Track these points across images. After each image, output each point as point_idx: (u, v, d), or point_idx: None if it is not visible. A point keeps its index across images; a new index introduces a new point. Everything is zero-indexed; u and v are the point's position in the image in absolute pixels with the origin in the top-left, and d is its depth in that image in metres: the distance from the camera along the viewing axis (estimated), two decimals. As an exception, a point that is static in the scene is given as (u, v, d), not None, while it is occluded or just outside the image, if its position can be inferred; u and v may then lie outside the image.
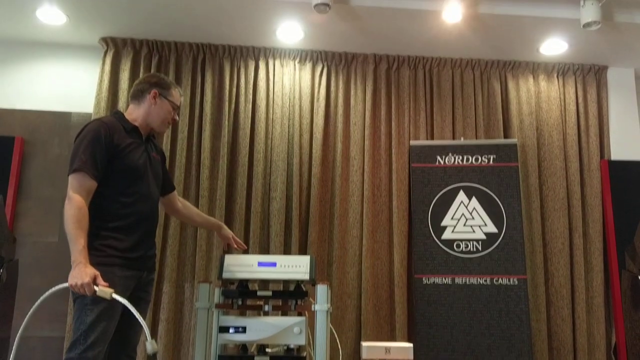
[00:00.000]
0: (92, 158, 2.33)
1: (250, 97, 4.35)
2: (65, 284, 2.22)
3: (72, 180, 2.31)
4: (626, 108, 4.59)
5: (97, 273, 2.20)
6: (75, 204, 2.26)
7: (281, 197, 4.17)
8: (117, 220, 2.39)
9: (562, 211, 4.26)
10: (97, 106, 4.17)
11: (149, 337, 2.15)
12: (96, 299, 2.22)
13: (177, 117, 2.69)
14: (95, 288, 2.17)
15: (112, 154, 2.39)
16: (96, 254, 2.31)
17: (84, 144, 2.35)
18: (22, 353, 3.82)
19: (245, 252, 3.99)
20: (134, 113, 2.58)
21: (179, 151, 4.20)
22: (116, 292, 2.25)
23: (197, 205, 4.14)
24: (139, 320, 2.16)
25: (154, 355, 2.16)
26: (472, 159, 4.22)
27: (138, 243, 2.44)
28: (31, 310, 2.30)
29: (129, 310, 2.33)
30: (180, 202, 2.92)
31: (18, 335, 2.33)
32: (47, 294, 2.26)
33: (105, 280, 2.25)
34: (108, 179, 2.39)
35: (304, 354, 3.08)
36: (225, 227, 3.07)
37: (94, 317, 2.23)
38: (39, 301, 2.28)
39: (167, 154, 4.16)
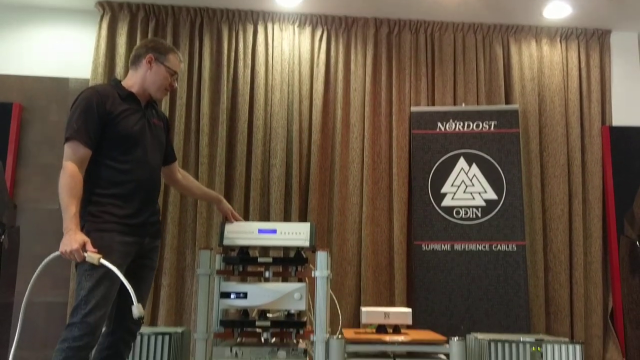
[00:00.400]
0: (85, 126, 2.33)
1: (249, 62, 4.30)
2: (57, 252, 2.24)
3: (66, 149, 2.32)
4: (629, 73, 4.54)
5: (87, 239, 2.22)
6: (68, 172, 2.27)
7: (281, 164, 4.16)
8: (115, 187, 2.38)
9: (562, 177, 4.26)
10: (94, 72, 4.13)
11: (135, 301, 2.19)
12: (94, 265, 2.24)
13: (176, 84, 2.63)
14: (85, 254, 2.20)
15: (105, 121, 2.37)
16: (94, 220, 2.33)
17: (76, 113, 2.35)
18: (26, 318, 3.86)
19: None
20: (132, 79, 2.55)
21: (177, 118, 4.17)
22: (115, 258, 2.28)
23: (196, 172, 4.14)
24: (125, 284, 2.19)
25: (140, 319, 2.23)
26: (473, 125, 4.20)
27: (138, 210, 2.43)
28: (32, 280, 2.33)
29: (132, 275, 2.35)
30: (180, 173, 2.90)
31: (23, 304, 2.36)
32: (43, 263, 2.30)
33: (104, 245, 2.27)
34: (103, 147, 2.38)
35: (305, 319, 3.12)
36: (224, 200, 3.06)
37: (93, 282, 2.25)
38: (37, 271, 2.31)
39: (166, 120, 4.13)
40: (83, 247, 2.19)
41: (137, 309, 2.18)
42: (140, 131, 2.48)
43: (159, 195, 2.61)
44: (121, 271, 2.28)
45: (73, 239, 2.19)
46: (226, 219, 3.04)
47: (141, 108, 2.53)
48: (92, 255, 2.20)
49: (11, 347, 2.39)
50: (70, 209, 2.23)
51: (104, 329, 2.46)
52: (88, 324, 2.21)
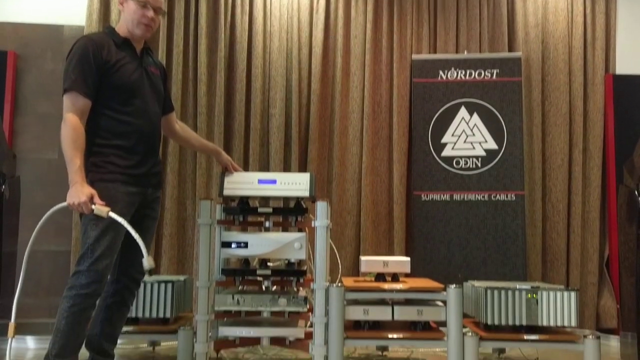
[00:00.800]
0: (82, 76, 2.31)
1: (247, 8, 4.21)
2: (64, 204, 2.26)
3: (65, 100, 2.31)
4: (634, 20, 4.45)
5: (94, 192, 2.24)
6: (69, 124, 2.27)
7: (280, 114, 4.13)
8: (116, 138, 2.39)
9: (564, 127, 4.24)
10: (88, 19, 4.05)
11: (145, 254, 2.23)
12: (100, 215, 2.27)
13: (152, 14, 2.46)
14: (93, 207, 2.22)
15: (102, 70, 2.35)
16: (98, 171, 2.34)
17: (72, 63, 2.32)
18: (30, 267, 3.91)
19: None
20: (120, 24, 2.51)
21: (174, 66, 4.12)
22: (120, 208, 2.31)
23: (195, 122, 4.12)
24: (135, 238, 2.23)
25: (151, 271, 2.26)
26: (475, 74, 4.15)
27: (140, 160, 2.45)
28: (35, 230, 2.34)
29: (135, 225, 2.38)
30: (179, 124, 2.88)
31: (26, 253, 2.38)
32: (48, 213, 2.32)
33: (109, 196, 2.30)
34: (102, 97, 2.37)
35: (305, 267, 3.17)
36: (223, 152, 3.06)
37: (99, 232, 2.28)
38: (42, 220, 2.33)
39: (163, 69, 4.08)
40: (91, 200, 2.22)
41: (147, 262, 2.23)
42: (138, 80, 2.46)
43: (160, 146, 2.61)
44: (126, 221, 2.32)
45: (80, 191, 2.21)
46: (226, 170, 3.04)
47: (137, 56, 2.49)
48: (101, 208, 2.23)
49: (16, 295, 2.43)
50: (74, 162, 2.24)
51: (108, 277, 2.50)
52: (95, 271, 2.26)
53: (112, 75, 2.37)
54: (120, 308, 2.56)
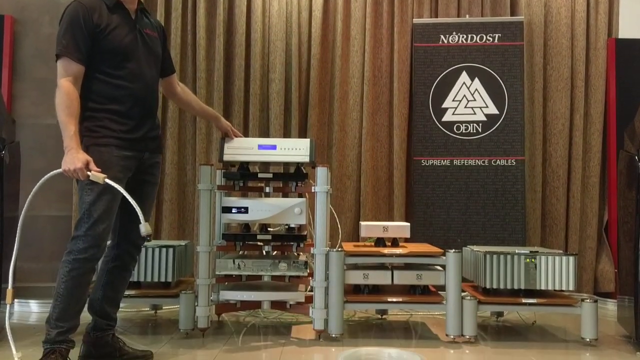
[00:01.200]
0: (73, 41, 2.29)
1: (246, -29, 4.14)
2: (59, 170, 2.26)
3: (58, 66, 2.30)
4: (640, -17, 4.38)
5: (90, 158, 2.23)
6: (63, 90, 2.25)
7: (280, 78, 4.10)
8: (110, 102, 2.37)
9: (565, 92, 4.21)
10: (86, -18, 3.98)
11: (142, 220, 2.24)
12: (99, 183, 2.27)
13: None
14: (88, 173, 2.22)
15: (94, 34, 2.32)
16: (92, 135, 2.34)
17: (63, 28, 2.30)
18: (32, 232, 3.95)
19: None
20: None
21: (173, 30, 4.07)
22: (115, 172, 2.31)
23: (194, 87, 4.09)
24: (132, 203, 2.24)
25: (149, 236, 2.29)
26: (476, 38, 4.10)
27: (135, 124, 2.43)
28: (31, 194, 2.33)
29: (134, 190, 2.39)
30: (180, 86, 2.86)
31: (20, 220, 2.38)
32: (43, 179, 2.31)
33: (103, 160, 2.29)
34: (95, 61, 2.35)
35: (305, 232, 3.19)
36: (222, 118, 3.05)
37: (94, 196, 2.29)
38: (37, 186, 2.32)
39: (162, 33, 4.03)
40: (86, 166, 2.21)
41: (144, 227, 2.24)
42: (132, 44, 2.42)
43: (157, 110, 2.59)
44: (122, 185, 2.32)
45: (76, 157, 2.21)
46: (226, 136, 3.03)
47: (131, 19, 2.45)
48: (97, 175, 2.23)
49: (18, 259, 2.44)
50: (69, 128, 2.23)
51: (109, 242, 2.53)
52: (92, 236, 2.27)
53: (104, 39, 2.34)
54: (121, 272, 2.58)
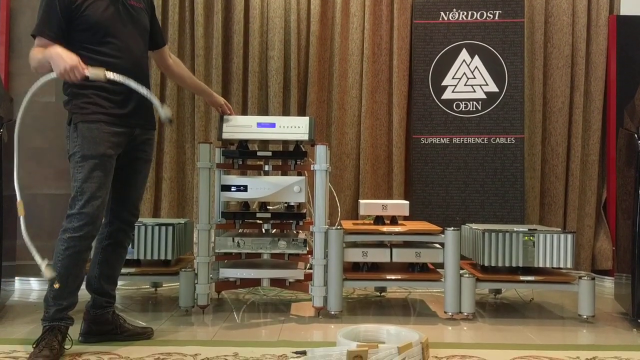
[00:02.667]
0: (47, 19, 2.27)
1: (244, -53, 4.08)
2: (53, 74, 2.19)
3: (35, 45, 2.30)
4: (643, -42, 4.33)
5: (79, 59, 2.17)
6: (32, 53, 2.25)
7: (279, 56, 4.07)
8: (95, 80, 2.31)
9: (565, 69, 4.18)
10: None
11: (158, 105, 2.23)
12: (84, 155, 2.26)
13: None
14: (86, 72, 2.15)
15: (69, 11, 2.28)
16: (81, 112, 2.32)
17: (41, 7, 2.30)
18: (31, 210, 3.92)
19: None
20: None
21: (171, 7, 4.03)
22: (104, 149, 2.30)
23: (192, 65, 4.06)
24: (142, 92, 2.24)
25: (170, 121, 2.31)
26: (477, 15, 4.06)
27: (124, 100, 2.39)
28: (23, 103, 2.26)
29: (126, 167, 2.38)
30: (172, 59, 2.81)
31: (15, 137, 2.32)
32: (35, 86, 2.23)
33: (92, 137, 2.28)
34: (77, 38, 2.32)
35: (304, 211, 3.19)
36: (215, 94, 3.02)
37: (86, 173, 2.28)
38: (28, 95, 2.25)
39: (157, 10, 3.99)
40: (80, 64, 2.16)
41: (164, 112, 2.24)
42: (112, 17, 2.36)
43: (148, 84, 2.54)
44: (111, 163, 2.31)
45: (67, 56, 2.14)
46: (223, 114, 3.01)
47: None
48: (96, 71, 2.15)
49: (18, 237, 2.44)
50: (50, 49, 2.18)
51: (103, 219, 2.51)
52: (86, 214, 2.27)
53: (82, 15, 2.30)
54: (116, 249, 2.58)
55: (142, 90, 2.21)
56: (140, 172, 2.57)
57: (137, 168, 2.54)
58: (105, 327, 2.53)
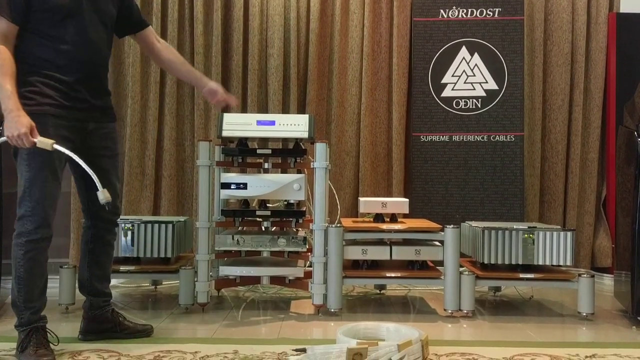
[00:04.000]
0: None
1: (244, -56, 4.07)
2: (4, 138, 2.11)
3: None
4: (642, -44, 4.32)
5: (33, 124, 2.08)
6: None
7: (279, 54, 4.07)
8: (49, 66, 2.21)
9: (565, 67, 4.18)
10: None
11: (99, 187, 2.11)
12: (31, 153, 2.14)
13: None
14: (35, 140, 2.07)
15: None
16: (26, 103, 2.15)
17: None
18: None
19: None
20: None
21: (170, 5, 4.03)
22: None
23: (192, 63, 4.05)
24: (86, 169, 2.12)
25: (107, 204, 2.14)
26: (476, 12, 4.06)
27: (77, 90, 2.26)
28: None
29: (92, 167, 2.21)
30: (161, 43, 2.62)
31: None
32: None
33: (37, 130, 2.14)
34: (31, 21, 2.18)
35: (304, 208, 3.19)
36: (211, 81, 2.78)
37: (34, 172, 2.17)
38: None
39: (157, 7, 3.99)
40: (31, 132, 2.06)
41: (102, 194, 2.12)
42: (73, 2, 2.22)
43: (106, 75, 2.42)
44: (61, 159, 2.21)
45: (19, 122, 2.05)
46: (224, 107, 2.85)
47: None
48: (44, 140, 2.07)
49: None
50: (5, 88, 2.07)
51: (83, 223, 2.50)
52: (40, 216, 2.17)
53: None
54: (102, 247, 2.51)
55: (85, 166, 2.11)
56: (106, 169, 2.41)
57: (102, 166, 2.38)
58: (105, 325, 2.51)
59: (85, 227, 2.50)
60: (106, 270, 2.55)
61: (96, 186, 2.14)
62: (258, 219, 3.18)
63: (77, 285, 2.63)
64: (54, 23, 2.21)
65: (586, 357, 2.35)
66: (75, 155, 2.12)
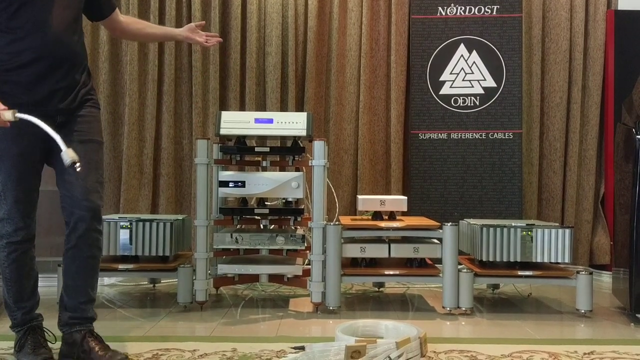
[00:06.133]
0: None
1: (241, -58, 4.07)
2: None
3: None
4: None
5: None
6: None
7: (276, 52, 4.06)
8: (6, 58, 2.05)
9: (563, 64, 4.18)
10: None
11: (63, 147, 1.87)
12: (11, 121, 1.94)
13: None
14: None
15: None
16: None
17: None
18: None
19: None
20: None
21: (168, 3, 4.02)
22: (10, 145, 2.05)
23: (190, 61, 4.06)
24: (50, 133, 1.89)
25: (74, 163, 1.86)
26: (474, 10, 4.06)
27: (37, 81, 2.07)
28: None
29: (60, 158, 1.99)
30: (124, 19, 2.48)
31: None
32: None
33: (2, 136, 2.02)
34: None
35: (302, 206, 3.19)
36: (185, 28, 2.68)
37: (4, 175, 2.08)
38: None
39: (155, 5, 3.99)
40: None
41: (66, 154, 1.86)
42: None
43: (74, 63, 2.15)
44: (32, 159, 2.10)
45: None
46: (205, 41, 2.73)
47: None
48: (4, 113, 1.89)
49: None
50: None
51: (66, 230, 2.19)
52: (18, 217, 2.11)
53: None
54: (75, 257, 2.17)
55: (49, 130, 1.89)
56: (90, 159, 2.16)
57: (87, 158, 2.13)
58: (72, 350, 2.16)
59: (67, 235, 2.21)
60: (77, 282, 2.19)
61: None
62: (256, 217, 3.18)
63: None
64: (10, 13, 2.03)
65: (584, 354, 2.35)
66: (40, 121, 1.90)
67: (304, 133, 3.00)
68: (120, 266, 3.07)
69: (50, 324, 2.27)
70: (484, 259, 3.05)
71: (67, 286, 2.20)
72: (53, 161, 2.16)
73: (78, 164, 1.86)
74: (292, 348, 2.22)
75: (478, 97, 4.03)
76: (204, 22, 2.91)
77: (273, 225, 3.32)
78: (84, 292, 2.19)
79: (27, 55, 2.04)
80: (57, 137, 1.87)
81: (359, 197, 3.28)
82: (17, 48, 2.04)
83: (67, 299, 2.19)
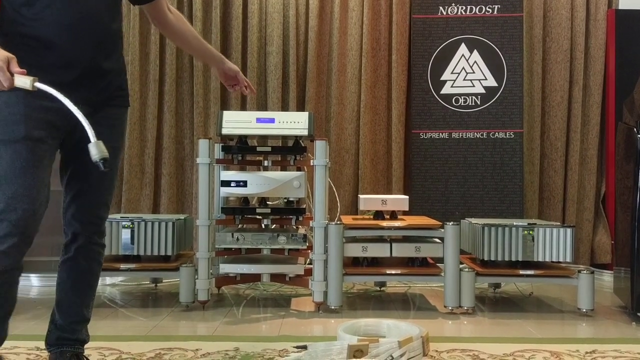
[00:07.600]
0: None
1: (242, -59, 4.07)
2: None
3: None
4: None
5: (12, 56, 1.54)
6: None
7: (277, 51, 4.06)
8: (28, 25, 1.69)
9: (564, 64, 4.18)
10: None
11: (92, 138, 1.53)
12: (4, 141, 1.67)
13: None
14: (14, 78, 1.54)
15: None
16: None
17: None
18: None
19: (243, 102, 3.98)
20: None
21: (168, 2, 4.01)
22: (27, 130, 1.67)
23: (191, 60, 4.06)
24: (80, 118, 1.55)
25: (102, 160, 1.53)
26: (475, 9, 4.06)
27: (66, 61, 1.73)
28: None
29: (75, 161, 1.81)
30: (173, 13, 2.11)
31: None
32: None
33: (11, 114, 1.67)
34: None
35: (304, 206, 3.20)
36: (228, 61, 2.30)
37: (5, 165, 1.66)
38: None
39: (157, 6, 3.98)
40: (8, 66, 1.53)
41: (95, 147, 1.54)
42: None
43: (109, 48, 1.84)
44: (42, 148, 1.70)
45: None
46: (239, 86, 2.36)
47: None
48: (23, 79, 1.54)
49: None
50: None
51: (64, 239, 1.97)
52: (11, 222, 1.67)
53: None
54: (71, 270, 1.94)
55: (79, 115, 1.55)
56: (93, 170, 1.65)
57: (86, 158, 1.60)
58: None
59: (65, 245, 1.98)
60: (69, 298, 1.93)
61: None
62: (258, 217, 3.18)
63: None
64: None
65: (586, 352, 2.36)
66: (67, 100, 1.55)
67: (305, 133, 3.00)
68: (122, 266, 3.07)
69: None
70: (486, 258, 3.05)
71: (60, 301, 1.93)
72: (67, 157, 1.86)
73: (105, 162, 1.55)
74: (294, 347, 2.23)
75: (479, 97, 4.03)
76: (255, 93, 2.79)
77: (275, 225, 3.33)
78: (77, 311, 1.94)
79: (54, 25, 1.70)
80: (86, 123, 1.55)
81: (361, 196, 3.28)
82: (45, 14, 1.69)
83: (58, 316, 1.93)
